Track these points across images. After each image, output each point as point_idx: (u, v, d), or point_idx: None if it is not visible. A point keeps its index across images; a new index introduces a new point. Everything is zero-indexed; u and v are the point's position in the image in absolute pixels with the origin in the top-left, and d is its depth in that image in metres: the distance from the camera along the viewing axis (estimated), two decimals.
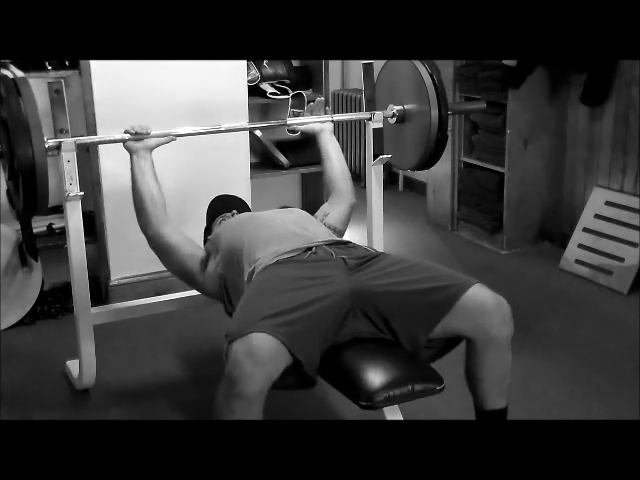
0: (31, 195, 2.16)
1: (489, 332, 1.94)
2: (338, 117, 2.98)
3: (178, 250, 2.37)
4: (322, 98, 2.81)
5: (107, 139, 2.45)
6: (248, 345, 1.75)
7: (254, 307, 1.91)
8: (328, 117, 2.73)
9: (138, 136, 2.38)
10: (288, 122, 2.72)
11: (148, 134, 2.40)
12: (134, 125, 2.39)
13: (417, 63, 2.60)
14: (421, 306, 1.96)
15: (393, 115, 2.73)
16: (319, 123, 2.69)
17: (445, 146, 2.66)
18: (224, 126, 2.75)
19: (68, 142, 2.31)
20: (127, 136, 2.38)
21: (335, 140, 2.71)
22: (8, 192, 2.39)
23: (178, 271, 2.42)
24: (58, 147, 2.28)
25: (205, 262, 2.35)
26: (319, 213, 2.58)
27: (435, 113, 2.57)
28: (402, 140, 2.78)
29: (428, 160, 2.70)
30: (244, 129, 2.71)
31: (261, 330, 1.78)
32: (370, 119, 2.72)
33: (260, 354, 1.74)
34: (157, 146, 2.43)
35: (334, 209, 2.58)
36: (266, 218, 2.37)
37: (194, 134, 2.61)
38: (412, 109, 2.70)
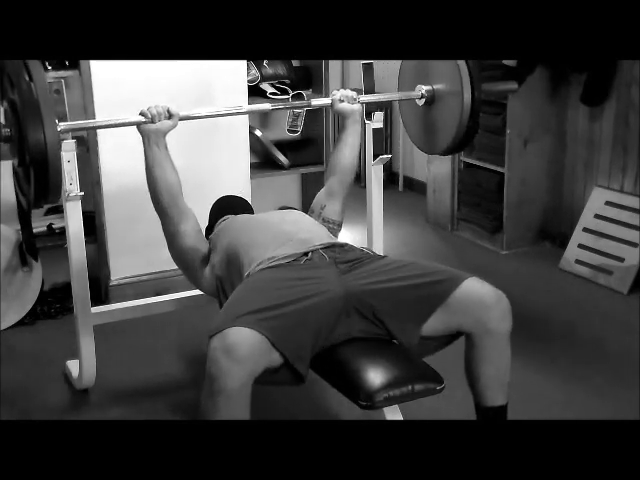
0: (42, 181, 2.05)
1: (488, 326, 1.96)
2: (386, 96, 2.84)
3: (184, 238, 2.33)
4: (355, 92, 2.62)
5: (120, 122, 2.34)
6: (225, 341, 1.77)
7: (239, 304, 1.92)
8: (375, 97, 2.60)
9: (154, 119, 2.26)
10: (313, 103, 2.63)
11: (167, 117, 2.28)
12: (151, 107, 2.27)
13: None
14: (413, 301, 1.98)
15: (422, 96, 2.60)
16: (348, 104, 2.55)
17: (477, 130, 2.51)
18: (245, 107, 2.66)
19: (68, 142, 2.31)
20: (142, 119, 2.27)
21: (360, 126, 2.59)
22: (17, 180, 2.28)
23: (179, 257, 2.40)
24: (69, 131, 2.20)
25: (207, 259, 2.35)
26: (315, 206, 2.56)
27: (468, 95, 2.43)
28: (430, 123, 2.65)
29: (459, 145, 2.58)
30: (266, 109, 2.55)
31: (242, 325, 1.79)
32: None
33: (237, 350, 1.75)
34: (171, 129, 2.30)
35: (330, 201, 2.56)
36: (265, 221, 2.37)
37: (213, 116, 2.56)
38: (442, 90, 2.55)
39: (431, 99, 2.60)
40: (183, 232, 2.32)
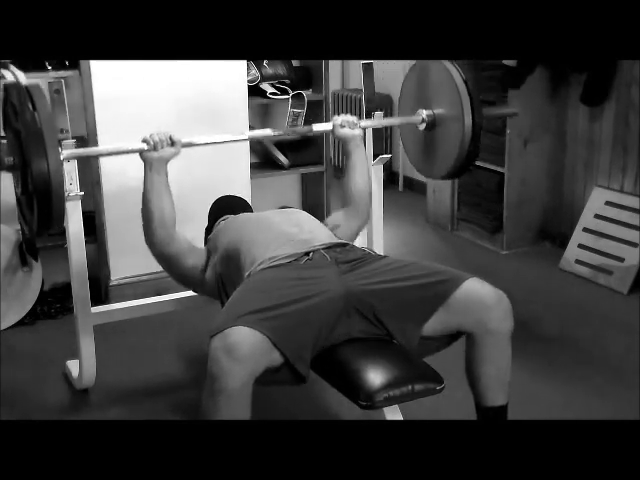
0: (46, 210, 2.03)
1: (489, 327, 1.96)
2: (387, 121, 2.79)
3: (179, 262, 2.34)
4: (355, 117, 2.56)
5: (123, 149, 2.32)
6: (226, 341, 1.77)
7: (240, 304, 1.93)
8: (376, 122, 2.57)
9: (157, 146, 2.24)
10: (314, 129, 2.60)
11: (169, 144, 2.26)
12: (153, 134, 2.25)
13: (448, 64, 2.47)
14: (414, 301, 1.98)
15: (422, 121, 2.59)
16: (349, 130, 2.50)
17: (478, 154, 2.51)
18: (247, 133, 2.57)
19: (68, 142, 2.31)
20: (145, 146, 2.25)
21: (364, 150, 2.56)
22: (20, 208, 2.26)
23: (178, 279, 2.43)
24: (73, 158, 2.21)
25: (205, 267, 2.35)
26: (330, 221, 2.49)
27: (469, 120, 2.42)
28: (431, 147, 2.64)
29: (460, 169, 2.56)
30: (268, 136, 2.52)
31: (243, 324, 1.79)
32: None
33: (238, 350, 1.75)
34: (174, 157, 2.28)
35: (345, 223, 2.46)
36: (266, 220, 2.37)
37: (219, 142, 2.52)
38: (443, 114, 2.54)
39: (432, 123, 2.59)
40: (176, 254, 2.31)
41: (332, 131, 2.52)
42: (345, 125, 2.49)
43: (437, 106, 2.57)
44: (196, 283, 2.39)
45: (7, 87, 2.11)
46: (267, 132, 2.56)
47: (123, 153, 2.34)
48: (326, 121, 3.88)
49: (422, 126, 2.61)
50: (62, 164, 2.06)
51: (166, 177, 2.26)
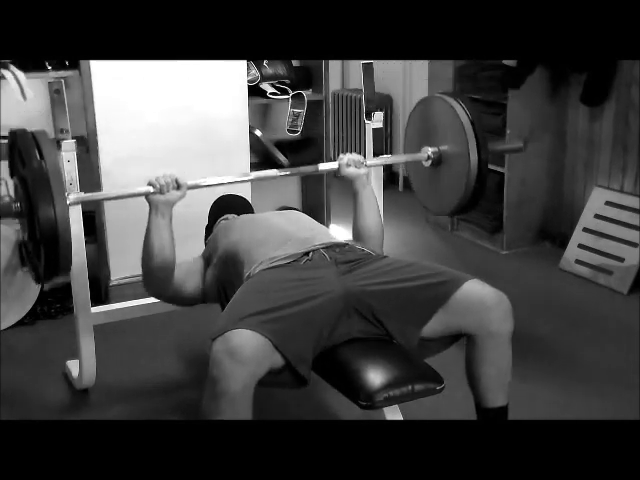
0: (53, 258, 2.02)
1: (490, 328, 1.96)
2: (393, 159, 2.82)
3: (178, 296, 2.36)
4: (361, 157, 2.51)
5: (129, 193, 2.30)
6: (228, 344, 1.77)
7: (240, 306, 1.93)
8: (382, 160, 2.56)
9: (162, 189, 2.21)
10: (320, 168, 2.57)
11: (175, 188, 2.22)
12: (159, 177, 2.22)
13: (452, 102, 2.48)
14: (414, 303, 1.98)
15: (428, 158, 2.58)
16: (355, 169, 2.44)
17: (484, 192, 2.50)
18: (253, 174, 2.49)
19: (68, 142, 2.31)
20: (150, 189, 2.21)
21: (371, 188, 2.49)
22: (27, 252, 2.24)
23: (181, 304, 2.45)
24: (79, 203, 2.23)
25: (203, 277, 2.35)
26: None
27: (475, 157, 2.42)
28: (437, 184, 2.63)
29: (466, 206, 2.55)
30: (273, 176, 2.50)
31: (245, 327, 1.79)
32: (372, 118, 2.61)
33: (240, 352, 1.75)
34: (180, 200, 2.25)
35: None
36: (265, 220, 2.37)
37: (225, 183, 2.48)
38: (448, 151, 2.53)
39: (437, 160, 2.58)
40: (174, 292, 2.32)
41: (338, 170, 2.46)
42: (351, 164, 2.44)
43: (443, 143, 2.56)
44: (198, 300, 2.39)
45: (14, 133, 2.11)
46: (273, 173, 2.53)
47: (129, 197, 2.31)
48: (325, 122, 3.89)
49: (428, 163, 2.60)
50: (68, 211, 2.04)
51: (170, 220, 2.23)
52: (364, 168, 2.46)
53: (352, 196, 2.46)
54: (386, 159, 2.77)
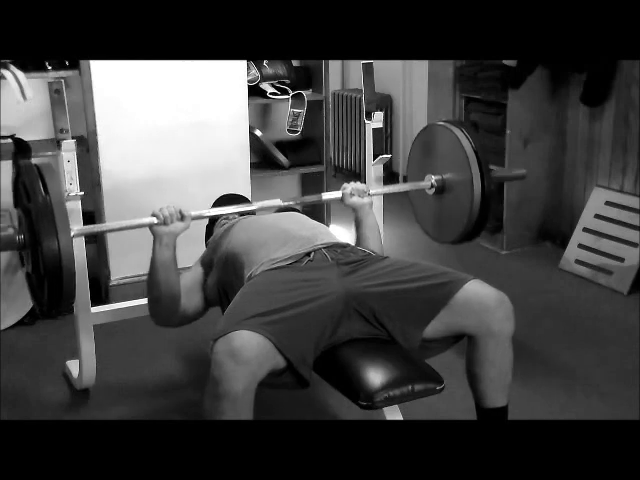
0: (57, 291, 2.01)
1: (491, 328, 1.96)
2: (396, 188, 2.76)
3: (184, 319, 2.35)
4: (365, 185, 2.51)
5: (132, 224, 2.26)
6: (229, 344, 1.76)
7: (242, 307, 1.92)
8: (386, 189, 2.56)
9: (166, 220, 2.18)
10: (323, 198, 2.58)
11: (178, 219, 2.20)
12: (163, 208, 2.19)
13: (455, 130, 2.48)
14: (415, 304, 1.98)
15: (432, 186, 2.57)
16: (358, 198, 2.43)
17: (488, 220, 2.49)
18: (256, 205, 2.47)
19: (68, 142, 2.31)
20: (154, 220, 2.18)
21: (374, 217, 2.50)
22: (30, 284, 2.23)
23: (187, 322, 2.42)
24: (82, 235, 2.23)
25: (204, 286, 2.35)
26: None
27: (478, 185, 2.41)
28: (440, 212, 2.62)
29: (470, 234, 2.54)
30: (277, 205, 2.48)
31: (246, 328, 1.79)
32: (371, 119, 2.63)
33: (242, 353, 1.75)
34: (184, 231, 2.22)
35: None
36: (265, 221, 2.37)
37: (230, 213, 2.47)
38: (452, 179, 2.52)
39: (441, 188, 2.57)
40: (180, 318, 2.32)
41: (341, 200, 2.46)
42: (355, 193, 2.43)
43: (446, 171, 2.55)
44: (203, 313, 2.39)
45: (19, 166, 2.09)
46: (276, 202, 2.52)
47: (133, 228, 2.29)
48: (325, 122, 3.89)
49: (431, 191, 2.59)
50: (72, 244, 2.03)
51: (174, 251, 2.21)
52: (367, 197, 2.45)
53: (354, 223, 2.46)
54: (389, 188, 2.77)
